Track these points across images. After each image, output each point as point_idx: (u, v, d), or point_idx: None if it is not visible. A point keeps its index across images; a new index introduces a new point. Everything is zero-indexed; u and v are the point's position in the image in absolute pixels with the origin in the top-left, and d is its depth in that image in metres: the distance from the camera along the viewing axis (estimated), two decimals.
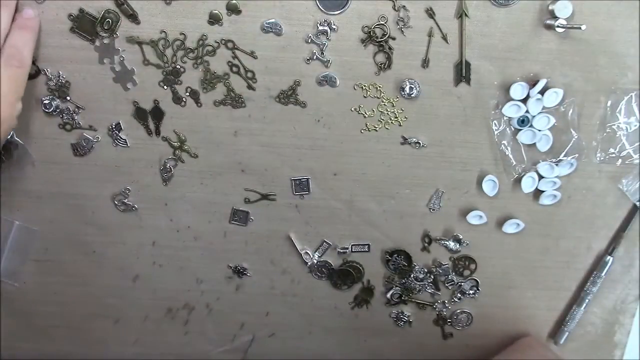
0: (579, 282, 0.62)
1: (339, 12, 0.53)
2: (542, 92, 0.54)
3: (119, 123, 0.56)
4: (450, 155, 0.58)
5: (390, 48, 0.54)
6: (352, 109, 0.56)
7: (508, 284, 0.63)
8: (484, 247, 0.61)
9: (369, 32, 0.53)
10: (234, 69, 0.55)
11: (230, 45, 0.54)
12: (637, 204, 0.59)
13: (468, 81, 0.55)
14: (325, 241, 0.61)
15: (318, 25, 0.53)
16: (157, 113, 0.56)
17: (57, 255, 0.62)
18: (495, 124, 0.56)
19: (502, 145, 0.57)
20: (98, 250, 0.62)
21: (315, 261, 0.61)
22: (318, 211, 0.60)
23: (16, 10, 0.51)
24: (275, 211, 0.60)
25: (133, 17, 0.53)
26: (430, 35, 0.54)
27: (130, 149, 0.57)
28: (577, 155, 0.57)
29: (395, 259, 0.61)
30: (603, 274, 0.61)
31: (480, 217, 0.59)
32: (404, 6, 0.53)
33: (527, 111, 0.55)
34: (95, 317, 0.65)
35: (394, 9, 0.53)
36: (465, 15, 0.53)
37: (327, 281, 0.63)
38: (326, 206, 0.60)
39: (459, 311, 0.63)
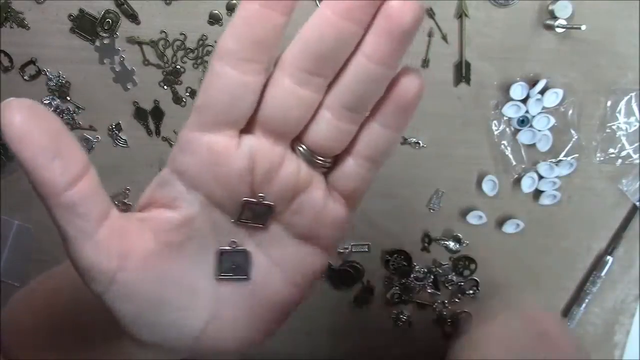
0: (579, 282, 0.62)
1: None
2: (542, 92, 0.54)
3: (119, 123, 0.57)
4: (450, 155, 0.58)
5: None
6: None
7: (508, 283, 0.63)
8: (484, 247, 0.61)
9: None
10: None
11: None
12: (637, 204, 0.59)
13: (468, 81, 0.55)
14: None
15: None
16: (157, 113, 0.56)
17: (57, 255, 0.62)
18: (495, 124, 0.56)
19: (502, 145, 0.57)
20: None
21: None
22: None
23: None
24: None
25: (133, 17, 0.53)
26: (430, 35, 0.54)
27: (130, 149, 0.58)
28: (577, 155, 0.57)
29: (395, 259, 0.61)
30: (603, 274, 0.61)
31: (480, 217, 0.59)
32: None
33: (527, 111, 0.55)
34: None
35: None
36: (465, 15, 0.53)
37: (327, 281, 0.63)
38: None
39: (459, 311, 0.63)
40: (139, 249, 0.25)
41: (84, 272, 0.24)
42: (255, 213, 0.26)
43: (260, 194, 0.26)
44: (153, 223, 0.26)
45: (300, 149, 0.26)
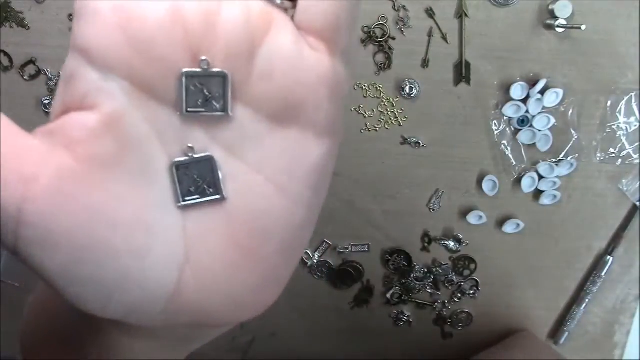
0: (579, 282, 0.62)
1: None
2: (542, 92, 0.54)
3: None
4: (450, 155, 0.58)
5: (390, 48, 0.54)
6: (352, 109, 0.56)
7: (508, 283, 0.63)
8: (484, 247, 0.61)
9: (369, 32, 0.53)
10: None
11: None
12: (637, 204, 0.59)
13: (468, 81, 0.55)
14: (325, 241, 0.61)
15: None
16: None
17: None
18: (495, 124, 0.56)
19: (502, 145, 0.57)
20: None
21: (315, 261, 0.61)
22: None
23: None
24: None
25: None
26: (430, 35, 0.54)
27: None
28: (577, 155, 0.57)
29: (395, 259, 0.61)
30: (603, 274, 0.61)
31: (480, 217, 0.59)
32: (404, 6, 0.53)
33: (527, 111, 0.55)
34: None
35: (394, 9, 0.53)
36: (465, 15, 0.53)
37: (327, 281, 0.63)
38: (326, 206, 0.59)
39: (459, 311, 0.63)
40: (49, 169, 0.17)
41: None
42: (206, 94, 0.18)
43: (203, 58, 0.18)
44: (65, 134, 0.18)
45: None
